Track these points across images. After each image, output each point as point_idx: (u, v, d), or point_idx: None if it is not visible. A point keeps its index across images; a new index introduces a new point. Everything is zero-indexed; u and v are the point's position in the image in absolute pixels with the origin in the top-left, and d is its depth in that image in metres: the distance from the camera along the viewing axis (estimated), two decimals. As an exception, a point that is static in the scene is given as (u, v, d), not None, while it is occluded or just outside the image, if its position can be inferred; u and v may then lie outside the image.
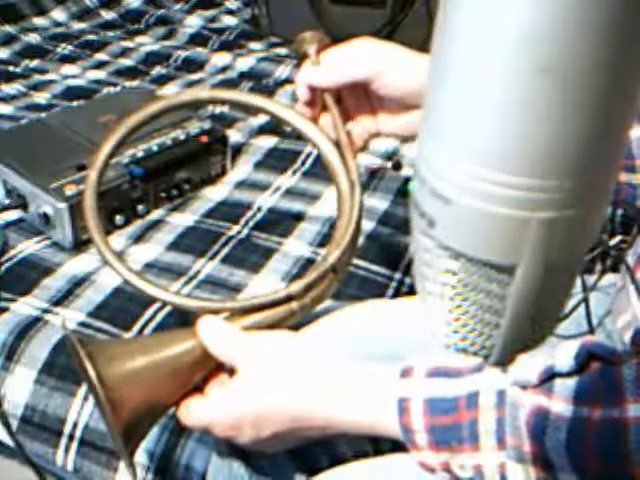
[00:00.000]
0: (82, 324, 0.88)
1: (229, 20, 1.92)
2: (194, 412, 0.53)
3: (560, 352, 0.42)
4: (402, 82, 0.57)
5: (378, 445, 0.57)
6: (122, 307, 0.90)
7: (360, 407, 0.49)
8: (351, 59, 0.59)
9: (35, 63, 1.60)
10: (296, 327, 0.63)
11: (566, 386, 0.40)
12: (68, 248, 0.99)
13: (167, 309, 0.91)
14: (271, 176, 1.18)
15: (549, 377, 0.41)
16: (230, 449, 0.60)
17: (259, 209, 1.10)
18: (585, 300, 0.59)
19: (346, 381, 0.50)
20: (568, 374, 0.41)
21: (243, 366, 0.52)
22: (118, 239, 1.02)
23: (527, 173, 0.25)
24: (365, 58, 0.58)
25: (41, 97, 1.43)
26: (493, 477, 0.44)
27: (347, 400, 0.49)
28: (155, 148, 1.07)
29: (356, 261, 0.99)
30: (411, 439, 0.46)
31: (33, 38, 1.71)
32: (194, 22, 1.88)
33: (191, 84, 1.52)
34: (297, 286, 0.58)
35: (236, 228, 1.05)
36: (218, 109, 1.40)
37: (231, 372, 0.54)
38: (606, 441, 0.39)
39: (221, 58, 1.65)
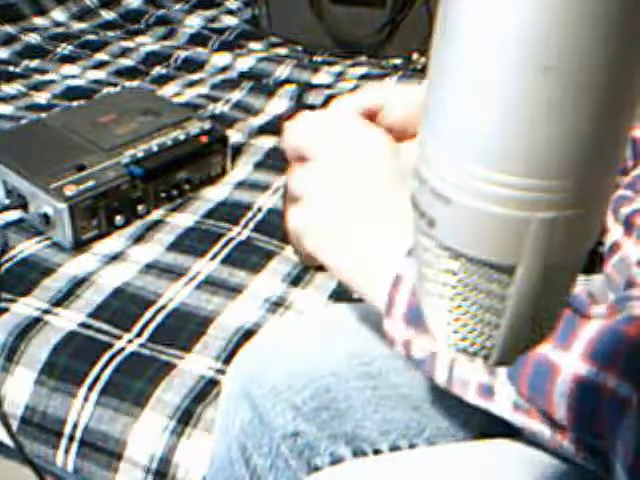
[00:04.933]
0: (82, 324, 0.88)
1: (229, 20, 1.92)
2: None
3: None
4: (403, 112, 0.57)
5: (377, 446, 0.57)
6: (122, 308, 0.90)
7: (369, 251, 0.48)
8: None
9: (35, 63, 1.60)
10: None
11: None
12: (68, 248, 0.99)
13: (167, 310, 0.91)
14: (271, 176, 1.18)
15: None
16: (229, 448, 0.60)
17: (259, 209, 1.10)
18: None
19: (378, 218, 0.49)
20: None
21: None
22: (118, 239, 1.02)
23: (527, 173, 0.25)
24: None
25: (41, 97, 1.43)
26: (443, 366, 0.45)
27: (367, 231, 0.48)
28: (155, 148, 1.07)
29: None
30: (389, 308, 0.46)
31: (33, 38, 1.71)
32: (194, 22, 1.88)
33: (191, 84, 1.52)
34: None
35: (236, 229, 1.05)
36: (218, 109, 1.40)
37: None
38: (539, 375, 0.41)
39: (221, 58, 1.65)
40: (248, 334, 0.87)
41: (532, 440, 0.51)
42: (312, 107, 1.39)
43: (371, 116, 0.58)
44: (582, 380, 0.39)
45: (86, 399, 0.80)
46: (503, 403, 0.44)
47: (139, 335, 0.87)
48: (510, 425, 0.58)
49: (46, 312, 0.89)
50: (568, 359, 0.39)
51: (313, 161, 0.52)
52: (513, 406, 0.43)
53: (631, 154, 0.59)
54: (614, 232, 0.55)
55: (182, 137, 1.11)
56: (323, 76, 1.57)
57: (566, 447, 0.42)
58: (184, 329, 0.88)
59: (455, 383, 0.46)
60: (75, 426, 0.80)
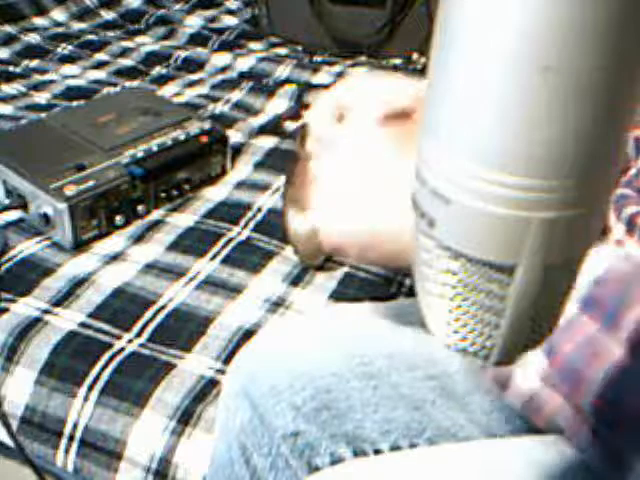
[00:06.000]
0: (82, 324, 0.88)
1: (229, 20, 1.92)
2: None
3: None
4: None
5: (377, 446, 0.57)
6: (122, 308, 0.90)
7: None
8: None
9: (35, 63, 1.59)
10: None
11: None
12: (68, 248, 0.99)
13: (167, 310, 0.91)
14: (271, 176, 1.18)
15: None
16: (229, 448, 0.60)
17: (259, 209, 1.10)
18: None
19: None
20: None
21: None
22: (118, 239, 1.02)
23: (527, 173, 0.25)
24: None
25: (41, 97, 1.42)
26: None
27: None
28: (155, 148, 1.07)
29: (356, 262, 0.99)
30: None
31: (33, 38, 1.71)
32: (194, 22, 1.88)
33: (191, 84, 1.52)
34: None
35: (236, 229, 1.05)
36: (218, 109, 1.40)
37: None
38: (580, 354, 0.40)
39: (221, 58, 1.65)
40: (248, 334, 0.87)
41: (545, 430, 0.50)
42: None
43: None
44: (624, 369, 0.38)
45: (86, 399, 0.80)
46: (531, 373, 0.43)
47: (139, 335, 0.87)
48: (512, 425, 0.58)
49: (46, 312, 0.89)
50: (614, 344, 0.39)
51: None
52: (541, 378, 0.43)
53: (634, 153, 0.59)
54: (616, 231, 0.55)
55: (182, 137, 1.11)
56: (323, 76, 1.57)
57: (581, 436, 0.41)
58: (184, 329, 0.88)
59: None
60: (75, 426, 0.80)
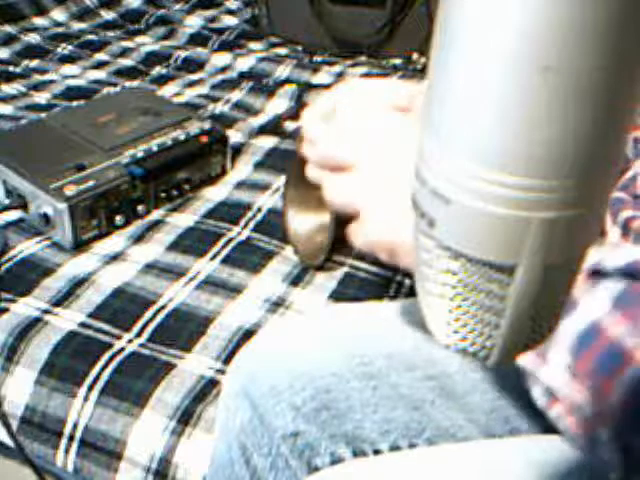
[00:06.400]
0: (82, 325, 0.88)
1: (229, 20, 1.92)
2: None
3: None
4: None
5: (377, 446, 0.57)
6: (122, 308, 0.90)
7: None
8: None
9: (35, 63, 1.59)
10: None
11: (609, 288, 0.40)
12: (68, 248, 0.99)
13: (167, 310, 0.91)
14: (271, 176, 1.18)
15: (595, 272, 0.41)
16: (229, 448, 0.60)
17: (259, 209, 1.10)
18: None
19: None
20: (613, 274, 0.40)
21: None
22: (118, 239, 1.02)
23: (527, 173, 0.25)
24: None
25: (41, 97, 1.43)
26: None
27: None
28: (155, 148, 1.07)
29: (356, 262, 0.99)
30: None
31: (33, 38, 1.71)
32: (194, 22, 1.88)
33: (191, 84, 1.52)
34: None
35: (236, 229, 1.05)
36: (218, 109, 1.40)
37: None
38: (609, 357, 0.39)
39: (221, 58, 1.65)
40: (248, 334, 0.87)
41: (551, 428, 0.49)
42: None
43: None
44: None
45: (86, 399, 0.80)
46: (554, 370, 0.42)
47: (139, 335, 0.87)
48: (512, 425, 0.58)
49: (46, 312, 0.89)
50: None
51: (355, 172, 0.51)
52: (566, 376, 0.42)
53: (632, 154, 0.59)
54: (612, 235, 0.55)
55: (182, 137, 1.11)
56: (323, 76, 1.57)
57: (593, 437, 0.41)
58: (184, 329, 0.88)
59: None
60: (75, 426, 0.80)
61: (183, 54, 1.65)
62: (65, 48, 1.67)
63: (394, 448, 0.56)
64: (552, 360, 0.42)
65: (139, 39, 1.76)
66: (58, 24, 1.82)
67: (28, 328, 0.86)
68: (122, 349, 0.85)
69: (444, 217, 0.27)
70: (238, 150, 1.25)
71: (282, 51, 1.74)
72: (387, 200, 0.50)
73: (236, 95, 1.45)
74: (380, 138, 0.52)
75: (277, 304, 0.93)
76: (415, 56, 1.68)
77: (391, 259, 0.51)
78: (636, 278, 0.39)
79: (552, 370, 0.42)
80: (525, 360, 0.43)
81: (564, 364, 0.41)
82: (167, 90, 1.48)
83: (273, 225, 1.05)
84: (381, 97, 0.54)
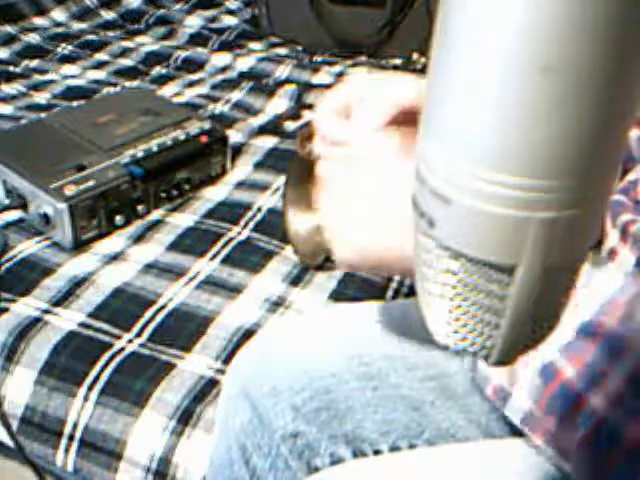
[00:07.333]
0: (82, 324, 0.88)
1: (229, 20, 1.92)
2: None
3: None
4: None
5: (377, 446, 0.57)
6: (122, 308, 0.90)
7: None
8: None
9: (35, 63, 1.59)
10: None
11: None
12: (68, 248, 0.99)
13: (167, 310, 0.91)
14: (271, 176, 1.18)
15: None
16: (229, 448, 0.60)
17: (259, 209, 1.10)
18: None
19: None
20: None
21: None
22: (118, 239, 1.02)
23: (527, 173, 0.25)
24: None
25: (41, 97, 1.42)
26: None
27: None
28: (155, 148, 1.07)
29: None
30: None
31: (33, 38, 1.71)
32: (194, 22, 1.88)
33: (191, 84, 1.52)
34: None
35: (236, 229, 1.05)
36: (218, 109, 1.40)
37: None
38: (563, 399, 0.40)
39: (221, 58, 1.65)
40: (248, 334, 0.87)
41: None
42: (312, 107, 1.39)
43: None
44: (605, 422, 0.38)
45: (86, 399, 0.80)
46: (515, 410, 0.43)
47: (139, 335, 0.87)
48: (512, 426, 0.58)
49: (46, 312, 0.89)
50: (597, 398, 0.39)
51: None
52: (523, 416, 0.43)
53: (638, 155, 0.59)
54: (611, 237, 0.55)
55: (182, 137, 1.11)
56: (323, 76, 1.57)
57: (572, 459, 0.42)
58: (184, 329, 0.88)
59: (478, 374, 0.46)
60: (75, 426, 0.80)
61: (183, 54, 1.65)
62: (65, 48, 1.67)
63: (394, 449, 0.56)
64: (515, 402, 0.43)
65: (139, 39, 1.76)
66: (58, 24, 1.82)
67: (28, 328, 0.86)
68: (122, 349, 0.85)
69: (444, 217, 0.27)
70: (238, 150, 1.25)
71: (282, 51, 1.74)
72: (372, 209, 0.49)
73: (236, 95, 1.45)
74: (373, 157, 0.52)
75: (277, 304, 0.93)
76: (415, 56, 1.68)
77: (378, 269, 0.50)
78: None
79: (515, 414, 0.43)
80: (489, 394, 0.45)
81: (526, 408, 0.42)
82: (167, 90, 1.48)
83: (273, 225, 1.05)
84: (387, 96, 0.54)
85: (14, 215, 1.04)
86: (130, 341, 0.86)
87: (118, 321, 0.88)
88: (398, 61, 1.69)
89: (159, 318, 0.89)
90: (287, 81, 1.53)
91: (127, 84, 1.50)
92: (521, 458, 0.52)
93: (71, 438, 0.80)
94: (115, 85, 1.49)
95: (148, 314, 0.90)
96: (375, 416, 0.57)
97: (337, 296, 0.94)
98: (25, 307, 0.90)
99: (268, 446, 0.58)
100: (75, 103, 1.37)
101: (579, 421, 0.39)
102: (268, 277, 0.97)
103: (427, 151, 0.27)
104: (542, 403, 0.41)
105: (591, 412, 0.39)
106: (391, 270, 0.50)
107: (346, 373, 0.59)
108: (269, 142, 1.29)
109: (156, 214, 1.08)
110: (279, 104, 1.42)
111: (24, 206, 1.01)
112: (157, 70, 1.59)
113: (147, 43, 1.73)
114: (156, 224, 1.06)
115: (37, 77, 1.52)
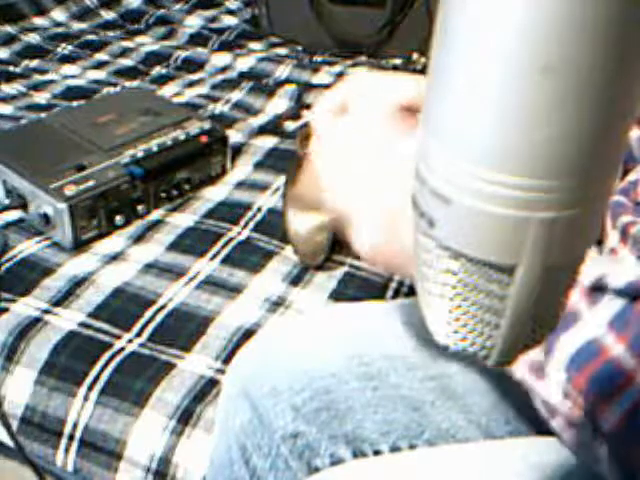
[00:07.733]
0: (82, 324, 0.88)
1: (229, 20, 1.92)
2: None
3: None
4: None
5: (377, 447, 0.57)
6: (122, 307, 0.90)
7: None
8: None
9: (35, 63, 1.59)
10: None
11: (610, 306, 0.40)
12: (68, 248, 0.99)
13: (167, 309, 0.91)
14: (271, 176, 1.18)
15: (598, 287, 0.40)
16: (229, 448, 0.60)
17: (259, 209, 1.10)
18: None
19: None
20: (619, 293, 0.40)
21: None
22: (118, 239, 1.02)
23: (527, 173, 0.25)
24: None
25: (41, 97, 1.43)
26: None
27: None
28: (155, 148, 1.07)
29: (356, 262, 0.99)
30: None
31: (33, 38, 1.71)
32: (194, 22, 1.88)
33: (191, 84, 1.52)
34: None
35: (236, 229, 1.05)
36: (218, 109, 1.40)
37: None
38: (606, 377, 0.39)
39: (221, 58, 1.65)
40: (248, 334, 0.87)
41: (550, 432, 0.49)
42: (312, 107, 1.39)
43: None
44: None
45: (86, 399, 0.80)
46: (551, 387, 0.42)
47: (139, 335, 0.87)
48: (512, 427, 0.58)
49: (46, 312, 0.89)
50: None
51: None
52: (563, 394, 0.42)
53: (638, 155, 0.59)
54: (612, 238, 0.55)
55: (182, 137, 1.11)
56: (323, 76, 1.57)
57: (598, 455, 0.41)
58: (184, 329, 0.88)
59: None
60: (75, 426, 0.80)
61: (183, 54, 1.65)
62: (65, 48, 1.67)
63: (394, 449, 0.56)
64: (549, 376, 0.42)
65: (139, 39, 1.76)
66: (58, 24, 1.82)
67: (28, 328, 0.86)
68: (122, 349, 0.85)
69: (444, 217, 0.27)
70: (238, 150, 1.25)
71: (282, 51, 1.74)
72: (379, 207, 0.49)
73: (236, 95, 1.45)
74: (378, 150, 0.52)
75: (277, 304, 0.93)
76: (415, 56, 1.68)
77: (389, 268, 0.50)
78: (636, 299, 0.40)
79: (549, 387, 0.42)
80: (521, 373, 0.43)
81: (560, 381, 0.41)
82: (167, 90, 1.48)
83: (273, 225, 1.05)
84: (390, 94, 0.54)
85: (14, 215, 1.04)
86: (130, 341, 0.86)
87: (118, 321, 0.88)
88: (398, 61, 1.69)
89: (159, 318, 0.89)
90: (287, 81, 1.53)
91: (127, 84, 1.50)
92: (521, 458, 0.52)
93: (71, 438, 0.80)
94: (115, 85, 1.49)
95: (148, 314, 0.90)
96: (375, 416, 0.57)
97: (337, 296, 0.94)
98: (25, 307, 0.90)
99: (268, 446, 0.58)
100: (75, 103, 1.37)
101: (620, 400, 0.38)
102: (268, 277, 0.97)
103: (427, 151, 0.27)
104: (580, 381, 0.40)
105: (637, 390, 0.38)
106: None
107: (346, 373, 0.59)
108: (269, 142, 1.29)
109: (156, 214, 1.08)
110: (279, 104, 1.42)
111: (24, 206, 1.01)
112: (157, 70, 1.59)
113: (147, 43, 1.73)
114: (156, 224, 1.06)
115: (37, 77, 1.52)
